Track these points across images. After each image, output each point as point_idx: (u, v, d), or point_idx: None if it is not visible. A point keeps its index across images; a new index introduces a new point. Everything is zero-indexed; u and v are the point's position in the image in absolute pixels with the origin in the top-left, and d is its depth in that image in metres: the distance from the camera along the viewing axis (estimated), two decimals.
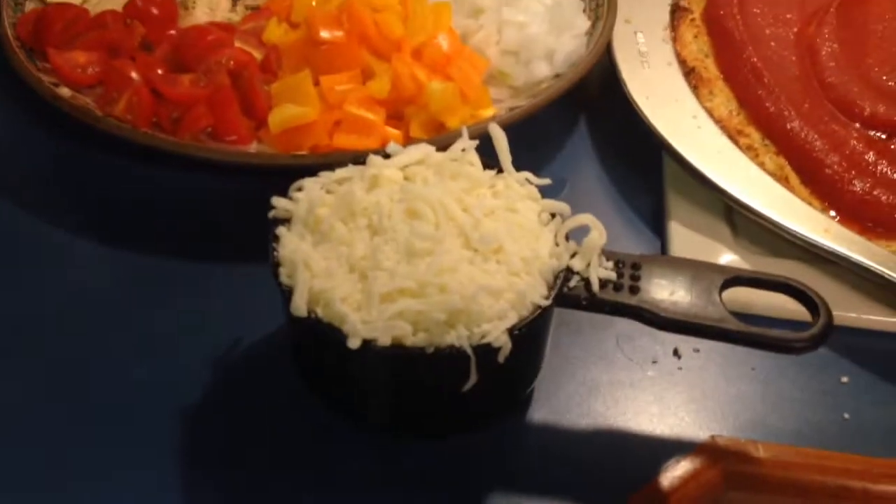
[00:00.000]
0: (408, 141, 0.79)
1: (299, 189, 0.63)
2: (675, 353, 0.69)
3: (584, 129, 0.89)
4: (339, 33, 0.83)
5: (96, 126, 0.75)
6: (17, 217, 0.79)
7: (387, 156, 0.65)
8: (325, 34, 0.82)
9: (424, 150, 0.65)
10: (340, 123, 0.78)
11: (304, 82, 0.79)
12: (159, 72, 0.81)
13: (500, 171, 0.65)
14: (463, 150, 0.65)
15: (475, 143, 0.66)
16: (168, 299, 0.73)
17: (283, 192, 0.62)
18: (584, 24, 0.89)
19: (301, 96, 0.78)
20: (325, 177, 0.64)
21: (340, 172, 0.64)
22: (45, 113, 0.80)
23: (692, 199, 0.78)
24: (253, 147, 0.79)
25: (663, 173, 0.82)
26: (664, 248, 0.77)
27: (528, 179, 0.64)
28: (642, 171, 0.83)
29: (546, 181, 0.64)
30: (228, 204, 0.80)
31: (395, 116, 0.82)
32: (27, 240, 0.77)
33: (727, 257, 0.75)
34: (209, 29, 0.84)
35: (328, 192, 0.63)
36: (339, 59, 0.82)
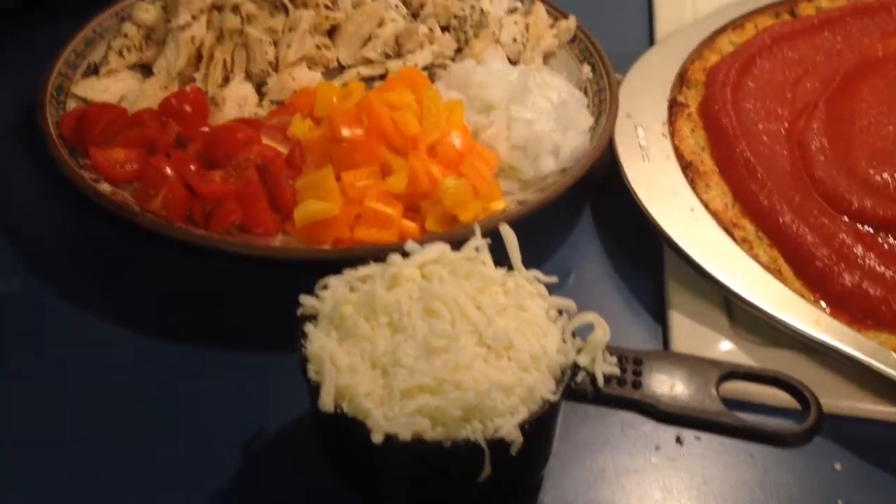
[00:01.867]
0: (423, 234, 0.85)
1: (325, 287, 0.68)
2: (678, 440, 0.73)
3: (588, 218, 0.95)
4: (358, 131, 0.89)
5: (135, 221, 0.81)
6: (54, 303, 0.84)
7: (405, 253, 0.70)
8: (345, 132, 0.88)
9: (440, 248, 0.70)
10: (361, 217, 0.84)
11: (327, 178, 0.85)
12: (192, 168, 0.87)
13: (511, 267, 0.70)
14: (476, 249, 0.70)
15: (487, 241, 0.71)
16: (197, 384, 0.78)
17: (309, 283, 0.67)
18: (587, 120, 0.95)
19: (324, 192, 0.84)
20: (349, 274, 0.69)
21: (363, 270, 0.69)
22: (87, 206, 0.86)
23: (691, 288, 0.83)
24: (279, 239, 0.85)
25: (664, 263, 0.87)
26: (665, 337, 0.81)
27: (536, 278, 0.69)
28: (644, 260, 0.89)
29: (553, 279, 0.69)
30: (256, 292, 0.85)
31: (412, 209, 0.87)
32: (64, 326, 0.82)
33: (725, 346, 0.79)
34: (238, 127, 0.90)
35: (352, 289, 0.68)
36: (359, 155, 0.89)
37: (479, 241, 0.71)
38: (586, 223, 0.94)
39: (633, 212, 0.88)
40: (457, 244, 0.70)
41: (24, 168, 0.97)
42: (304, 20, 1.02)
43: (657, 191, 0.88)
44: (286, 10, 1.04)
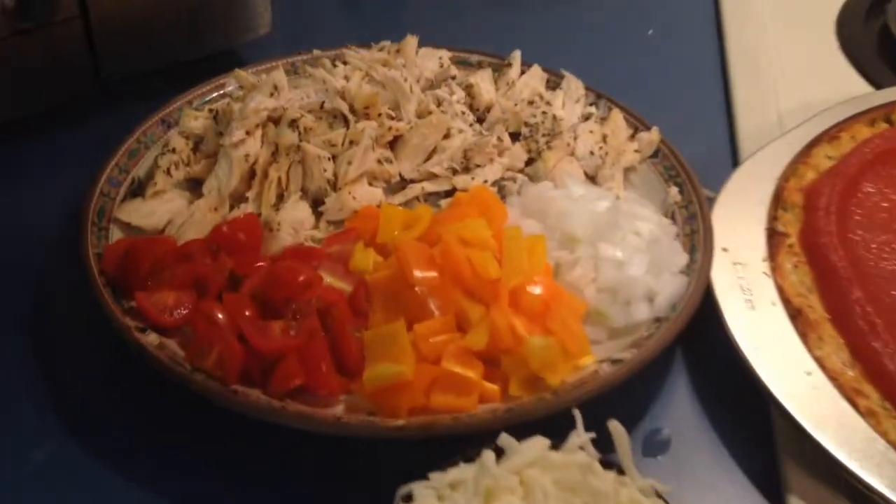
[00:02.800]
0: (506, 399, 0.76)
1: (409, 498, 0.59)
2: None
3: (680, 366, 0.85)
4: (432, 274, 0.80)
5: (186, 385, 0.72)
6: (91, 468, 0.75)
7: (498, 449, 0.62)
8: (418, 274, 0.80)
9: (539, 447, 0.62)
10: (438, 381, 0.75)
11: (398, 335, 0.76)
12: (247, 313, 0.78)
13: (621, 471, 0.61)
14: (581, 447, 0.61)
15: (591, 435, 0.62)
16: None
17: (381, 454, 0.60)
18: (682, 259, 0.86)
19: (395, 350, 0.75)
20: (436, 479, 0.60)
21: (452, 474, 0.61)
22: (132, 355, 0.77)
23: (813, 468, 0.73)
24: (343, 400, 0.76)
25: (773, 428, 0.78)
26: None
27: (655, 490, 0.60)
28: (751, 423, 0.79)
29: (668, 489, 0.60)
30: (320, 464, 0.76)
31: (491, 362, 0.78)
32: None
33: None
34: (297, 267, 0.81)
35: (440, 498, 0.59)
36: (433, 301, 0.80)
37: (582, 437, 0.62)
38: (678, 373, 0.85)
39: (734, 363, 0.79)
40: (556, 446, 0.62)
41: (61, 291, 0.89)
42: (367, 134, 0.94)
43: (766, 348, 0.79)
44: (346, 122, 0.96)
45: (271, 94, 0.95)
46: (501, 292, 0.79)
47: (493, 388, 0.76)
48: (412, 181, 0.99)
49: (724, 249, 0.89)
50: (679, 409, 0.81)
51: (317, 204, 0.95)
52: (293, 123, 0.93)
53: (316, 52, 1.09)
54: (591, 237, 0.85)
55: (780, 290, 0.86)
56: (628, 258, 0.83)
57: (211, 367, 0.74)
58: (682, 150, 1.01)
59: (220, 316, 0.78)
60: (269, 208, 0.92)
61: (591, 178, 1.00)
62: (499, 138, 1.01)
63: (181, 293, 0.80)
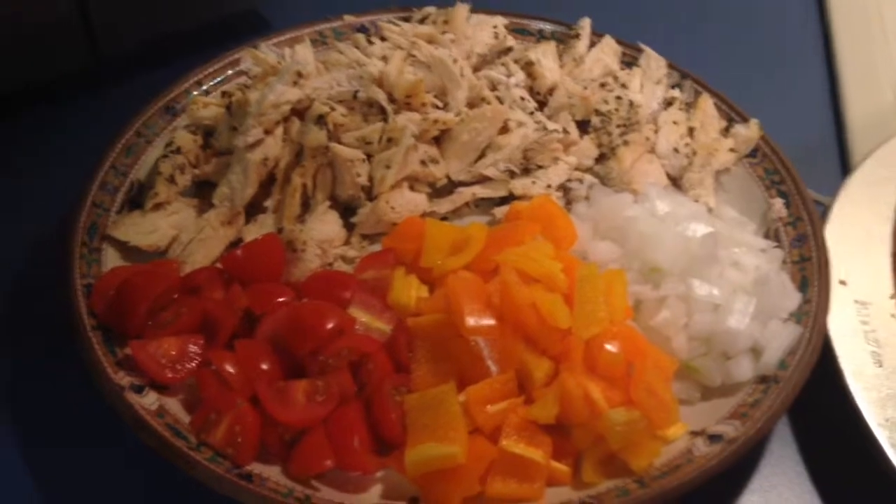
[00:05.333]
0: (578, 483, 0.62)
1: None
2: None
3: (787, 434, 0.70)
4: (489, 322, 0.66)
5: (189, 474, 0.59)
6: None
7: None
8: (471, 322, 0.65)
9: None
10: (496, 464, 0.61)
11: (447, 401, 0.62)
12: (264, 366, 0.65)
13: None
14: None
15: None
16: None
17: None
18: (794, 300, 0.70)
19: (444, 421, 0.61)
20: None
21: None
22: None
23: None
24: (380, 478, 0.63)
25: None
26: None
27: None
28: None
29: None
30: None
31: (559, 429, 0.64)
32: None
33: None
34: (325, 311, 0.67)
35: None
36: (489, 353, 0.66)
37: None
38: (785, 445, 0.70)
39: (856, 434, 0.65)
40: None
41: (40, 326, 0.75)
42: (408, 132, 0.78)
43: None
44: (383, 112, 0.80)
45: (294, 83, 0.79)
46: (574, 348, 0.64)
47: (562, 469, 0.62)
48: (461, 184, 0.83)
49: (843, 282, 0.73)
50: (788, 492, 0.67)
51: (348, 212, 0.80)
52: (320, 119, 0.78)
53: (347, 17, 0.93)
54: (682, 271, 0.70)
55: None
56: (728, 301, 0.68)
57: (220, 442, 0.61)
58: (780, 142, 0.84)
59: (231, 371, 0.64)
60: (292, 222, 0.77)
61: (674, 181, 0.84)
62: (564, 130, 0.85)
63: (185, 339, 0.66)
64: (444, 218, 0.81)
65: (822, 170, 0.89)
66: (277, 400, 0.62)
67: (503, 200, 0.82)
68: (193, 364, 0.65)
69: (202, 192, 0.80)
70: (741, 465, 0.66)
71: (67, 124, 0.90)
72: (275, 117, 0.77)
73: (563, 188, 0.83)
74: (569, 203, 0.82)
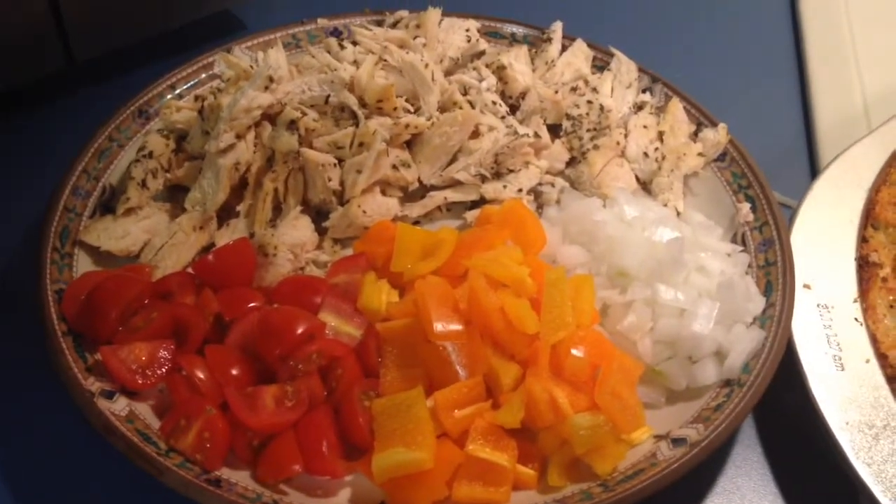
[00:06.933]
0: (544, 487, 0.63)
1: None
2: None
3: (751, 436, 0.71)
4: (457, 327, 0.66)
5: (158, 478, 0.60)
6: None
7: None
8: (440, 328, 0.66)
9: None
10: (462, 468, 0.62)
11: (415, 406, 0.62)
12: (234, 371, 0.65)
13: None
14: None
15: None
16: None
17: None
18: (758, 305, 0.71)
19: (411, 426, 0.62)
20: None
21: None
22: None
23: None
24: (349, 483, 0.63)
25: None
26: None
27: None
28: None
29: None
30: None
31: (526, 433, 0.65)
32: None
33: None
34: (295, 316, 0.67)
35: None
36: (457, 358, 0.66)
37: None
38: (749, 447, 0.71)
39: (818, 436, 0.66)
40: None
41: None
42: (379, 137, 0.78)
43: (858, 424, 0.65)
44: (355, 117, 0.81)
45: (266, 88, 0.79)
46: (541, 353, 0.65)
47: (528, 473, 0.63)
48: (433, 188, 0.83)
49: (807, 286, 0.74)
50: (752, 493, 0.68)
51: (320, 217, 0.81)
52: (292, 124, 0.78)
53: (321, 20, 0.93)
54: (648, 275, 0.71)
55: (874, 342, 0.71)
56: (693, 306, 0.69)
57: (189, 448, 0.62)
58: (748, 146, 0.85)
59: (201, 376, 0.65)
60: (264, 226, 0.77)
61: (644, 185, 0.85)
62: (536, 134, 0.85)
63: (156, 345, 0.66)
64: (416, 222, 0.82)
65: (792, 173, 0.90)
66: (246, 405, 0.63)
67: (474, 204, 0.83)
68: (164, 370, 0.66)
69: (175, 196, 0.81)
70: (706, 467, 0.67)
71: (42, 129, 0.90)
72: (246, 122, 0.77)
73: (535, 192, 0.84)
74: (540, 207, 0.83)
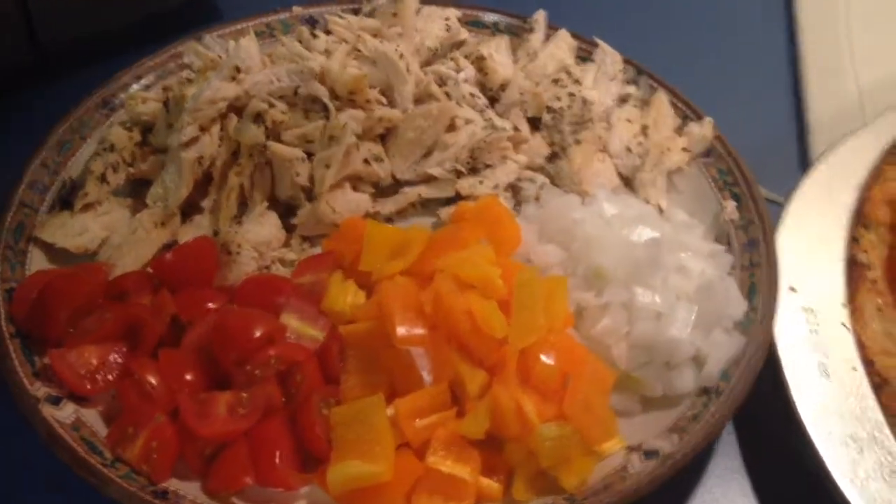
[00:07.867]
0: (509, 500, 0.60)
1: None
2: None
3: (731, 448, 0.68)
4: (421, 331, 0.63)
5: (102, 491, 0.57)
6: None
7: None
8: (402, 332, 0.63)
9: None
10: (422, 481, 0.59)
11: (374, 415, 0.60)
12: (188, 377, 0.62)
13: None
14: None
15: None
16: None
17: None
18: (740, 308, 0.68)
19: (370, 437, 0.59)
20: None
21: None
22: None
23: None
24: (305, 494, 0.61)
25: None
26: None
27: None
28: None
29: None
30: None
31: (492, 443, 0.62)
32: None
33: None
34: (254, 318, 0.64)
35: None
36: (422, 363, 0.63)
37: None
38: (727, 457, 0.67)
39: (800, 447, 0.63)
40: None
41: None
42: (349, 130, 0.75)
43: (841, 436, 0.62)
44: (326, 109, 0.78)
45: (233, 78, 0.76)
46: (508, 358, 0.62)
47: (493, 486, 0.60)
48: (407, 184, 0.80)
49: (793, 289, 0.71)
50: None
51: (289, 213, 0.78)
52: (258, 117, 0.75)
53: (296, 8, 0.90)
54: (625, 277, 0.67)
55: (861, 347, 0.68)
56: (671, 310, 0.66)
57: (136, 458, 0.59)
58: (738, 139, 0.81)
59: (152, 382, 0.62)
60: (229, 223, 0.74)
61: (626, 181, 0.82)
62: (515, 128, 0.82)
63: (108, 348, 0.63)
64: (388, 219, 0.79)
65: (783, 168, 0.87)
66: (196, 412, 0.60)
67: (449, 201, 0.80)
68: (114, 374, 0.63)
69: (139, 191, 0.78)
70: (683, 477, 0.64)
71: (8, 119, 0.88)
72: (211, 114, 0.74)
73: (514, 188, 0.81)
74: (519, 204, 0.80)
